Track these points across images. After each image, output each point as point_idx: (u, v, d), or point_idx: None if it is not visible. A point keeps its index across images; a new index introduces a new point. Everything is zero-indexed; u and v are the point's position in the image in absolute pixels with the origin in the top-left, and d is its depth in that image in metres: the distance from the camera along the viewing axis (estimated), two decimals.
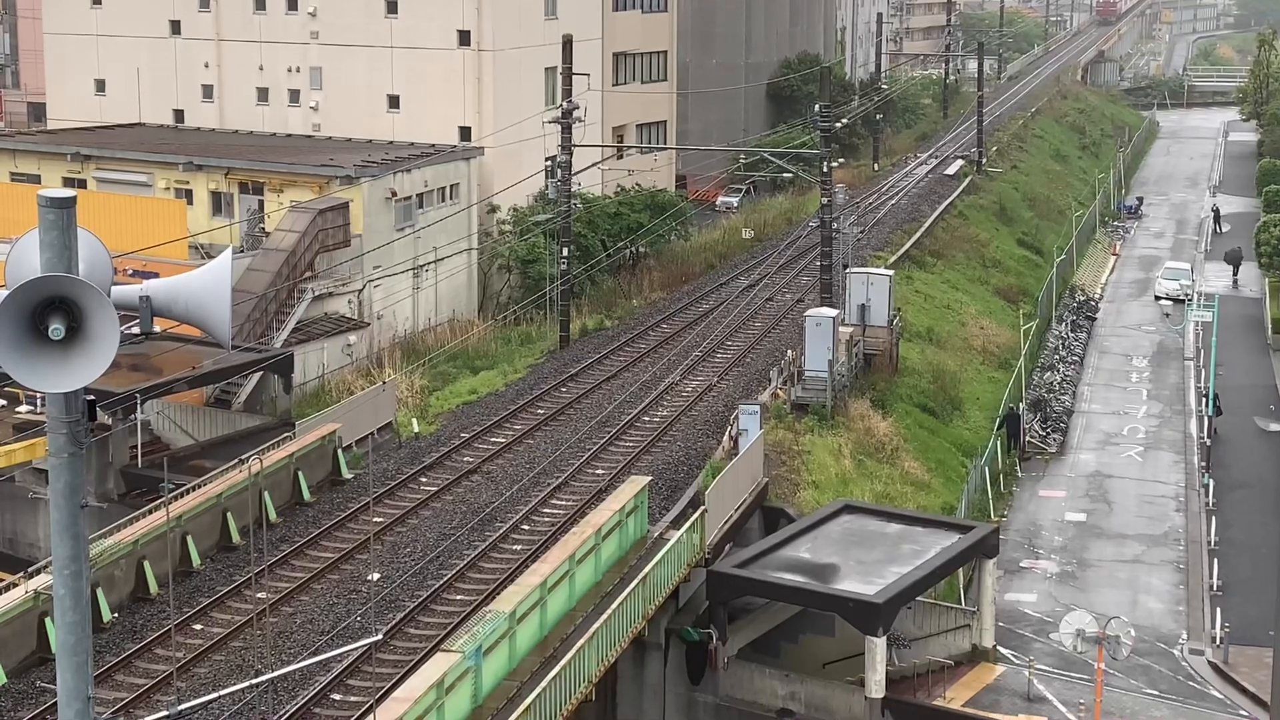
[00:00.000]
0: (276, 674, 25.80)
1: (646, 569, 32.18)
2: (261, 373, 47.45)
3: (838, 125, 61.00)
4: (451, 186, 63.99)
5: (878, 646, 33.15)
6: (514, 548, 34.92)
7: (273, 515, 36.25)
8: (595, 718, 32.75)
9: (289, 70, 72.90)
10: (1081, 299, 77.54)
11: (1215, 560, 45.43)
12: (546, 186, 67.74)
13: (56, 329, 8.37)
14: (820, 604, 34.95)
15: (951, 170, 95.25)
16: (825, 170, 53.79)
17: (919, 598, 36.18)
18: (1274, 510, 49.88)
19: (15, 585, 29.69)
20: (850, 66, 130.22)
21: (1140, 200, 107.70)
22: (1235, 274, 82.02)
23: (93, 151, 64.65)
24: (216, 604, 31.28)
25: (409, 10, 69.94)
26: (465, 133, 68.68)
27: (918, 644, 36.82)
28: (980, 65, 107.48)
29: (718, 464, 39.86)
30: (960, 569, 39.01)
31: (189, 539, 33.45)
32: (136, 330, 9.26)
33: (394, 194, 60.02)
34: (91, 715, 9.22)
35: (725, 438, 42.32)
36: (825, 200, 53.58)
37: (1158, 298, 79.34)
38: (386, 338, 57.95)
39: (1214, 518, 48.80)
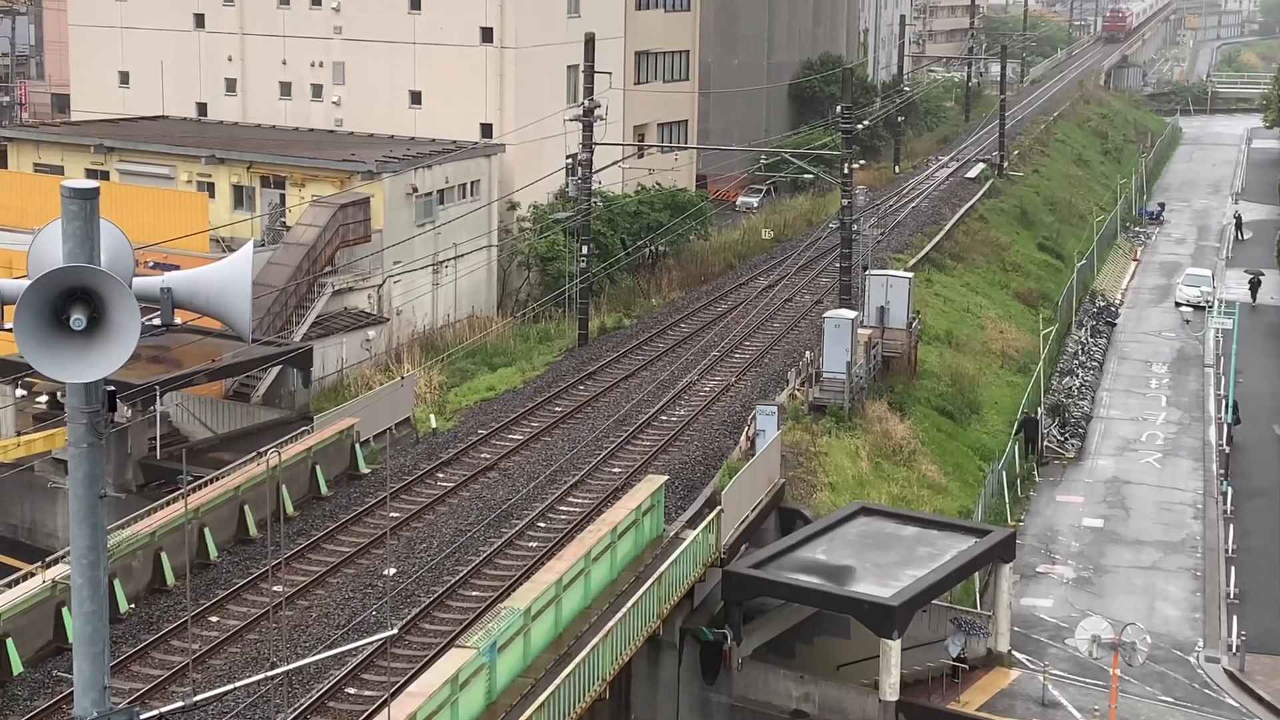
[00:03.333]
0: (291, 667, 25.85)
1: (662, 568, 32.18)
2: (281, 366, 47.56)
3: (859, 127, 60.84)
4: (472, 183, 64.04)
5: (893, 649, 33.10)
6: (530, 545, 34.95)
7: (290, 509, 36.31)
8: (609, 716, 32.76)
9: (312, 65, 73.05)
10: (1102, 304, 77.32)
11: (1232, 568, 45.27)
12: (567, 184, 67.77)
13: (78, 319, 8.40)
14: (835, 606, 34.92)
15: (973, 173, 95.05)
16: (846, 172, 53.73)
17: (934, 601, 36.13)
18: None
19: (33, 575, 29.80)
20: (872, 68, 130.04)
21: (1162, 206, 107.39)
22: (1254, 297, 79.26)
23: (116, 143, 64.83)
24: (233, 596, 31.36)
25: (432, 6, 70.02)
26: (486, 129, 68.72)
27: (932, 647, 36.75)
28: (1003, 69, 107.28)
29: (734, 464, 39.84)
30: (976, 573, 38.93)
31: (206, 531, 33.54)
32: (157, 322, 9.29)
33: (415, 190, 60.09)
34: (107, 705, 9.25)
35: (742, 438, 42.29)
36: (846, 202, 53.53)
37: (1178, 304, 79.08)
38: (405, 333, 58.02)
39: (1232, 525, 48.61)
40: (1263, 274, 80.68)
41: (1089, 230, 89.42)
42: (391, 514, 35.66)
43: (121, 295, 8.42)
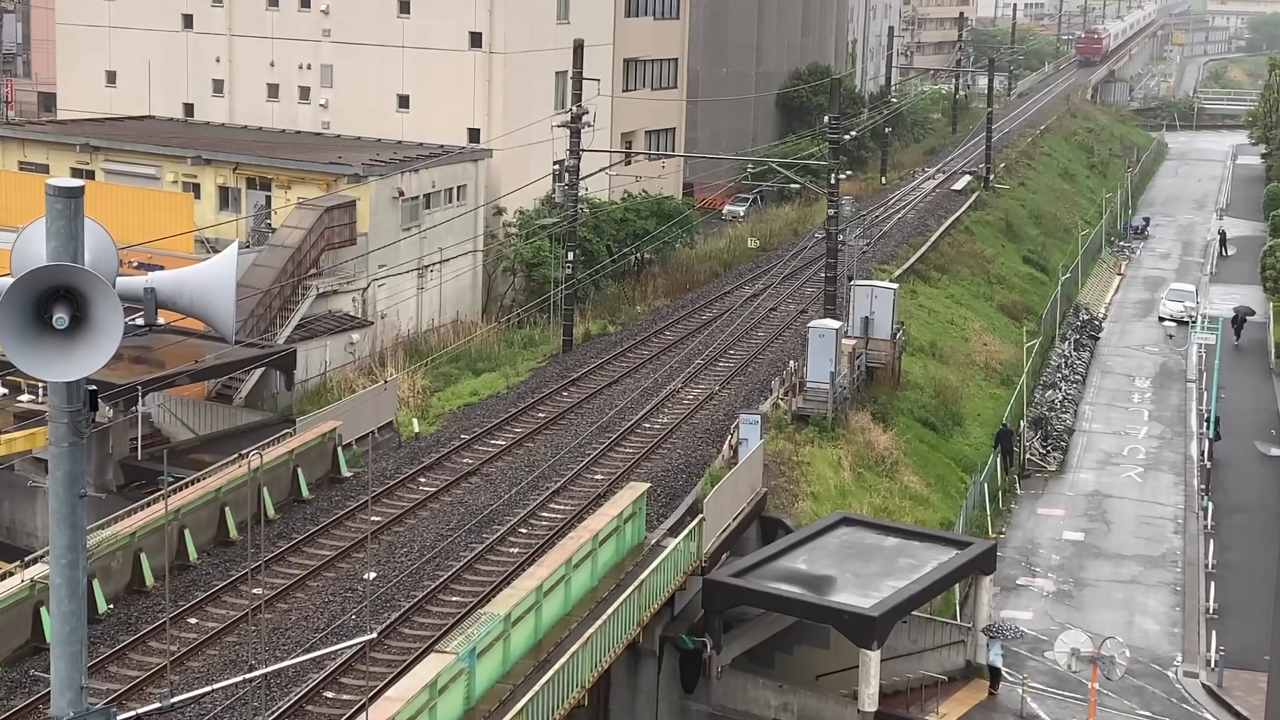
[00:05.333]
0: (270, 670, 25.79)
1: (643, 576, 32.16)
2: (264, 368, 47.46)
3: (846, 137, 60.97)
4: (459, 188, 64.01)
5: (872, 659, 33.11)
6: (511, 550, 34.91)
7: (271, 511, 36.23)
8: None
9: (300, 67, 72.98)
10: (1085, 318, 77.49)
11: (1212, 583, 45.40)
12: (554, 190, 67.77)
13: (61, 318, 8.37)
14: (815, 615, 34.94)
15: (959, 185, 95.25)
16: (833, 182, 53.80)
17: (914, 612, 36.16)
18: (1272, 535, 49.79)
19: (12, 574, 29.69)
20: (860, 79, 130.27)
21: (1147, 221, 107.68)
22: (1237, 334, 74.14)
23: (102, 143, 64.71)
24: (212, 598, 31.26)
25: (421, 10, 70.01)
26: (474, 134, 68.72)
27: (911, 659, 36.81)
28: (990, 81, 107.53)
29: (717, 473, 39.84)
30: (957, 584, 38.98)
31: (186, 532, 33.44)
32: (140, 322, 9.27)
33: (401, 193, 60.05)
34: (84, 705, 9.22)
35: (725, 446, 42.29)
36: (832, 212, 53.59)
37: (1162, 319, 79.27)
38: (389, 337, 57.96)
39: (1212, 541, 48.74)
40: (1252, 311, 76.81)
41: (1074, 244, 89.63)
42: (373, 518, 35.60)
43: (105, 295, 8.39)
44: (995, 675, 36.84)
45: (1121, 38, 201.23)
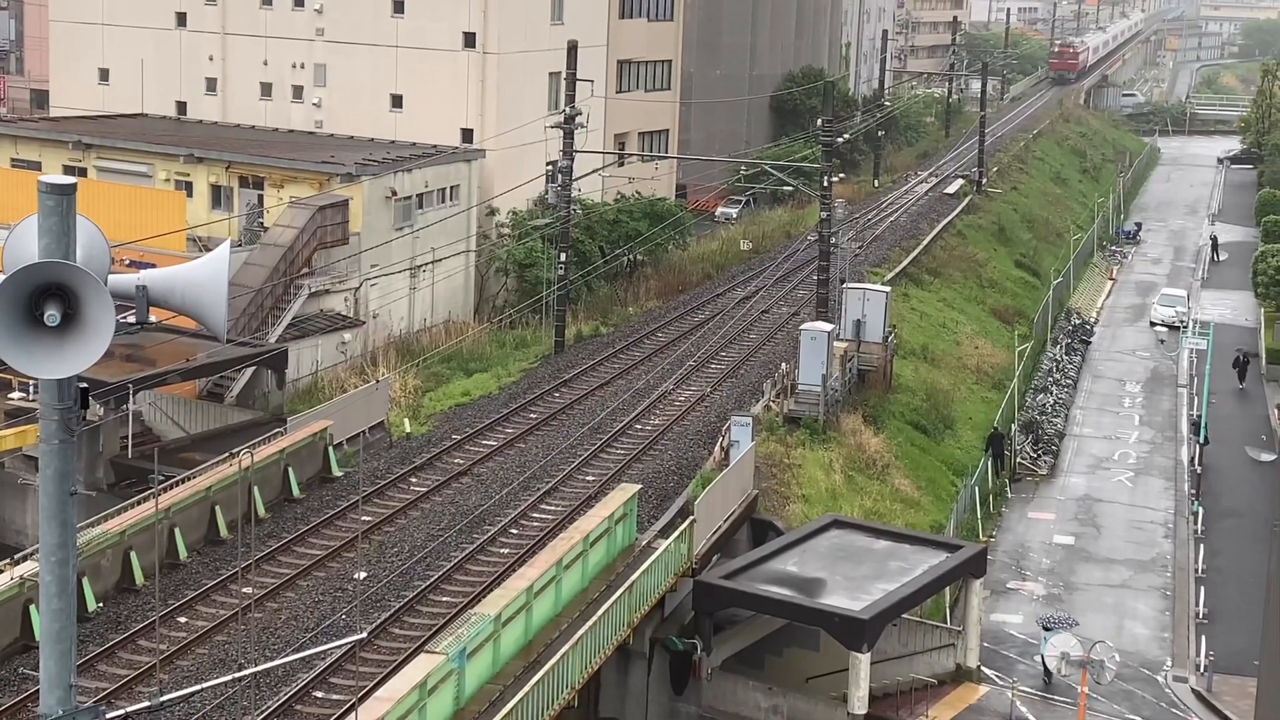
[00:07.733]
0: (259, 669, 25.78)
1: (633, 577, 32.16)
2: (255, 367, 47.41)
3: (839, 140, 61.02)
4: (451, 188, 63.97)
5: (862, 662, 33.13)
6: (502, 551, 34.91)
7: (261, 510, 36.20)
8: None
9: (293, 66, 72.92)
10: (1077, 322, 77.57)
11: (1202, 588, 45.44)
12: (546, 191, 67.72)
13: (52, 315, 8.36)
14: (806, 618, 34.95)
15: (951, 189, 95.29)
16: (825, 185, 53.82)
17: (904, 615, 36.18)
18: (1262, 540, 49.80)
19: (1, 571, 29.63)
20: (854, 82, 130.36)
21: (1139, 225, 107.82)
22: (1242, 378, 68.75)
23: (94, 140, 64.59)
24: (202, 597, 31.25)
25: (415, 10, 69.98)
26: (467, 134, 68.70)
27: (901, 662, 36.83)
28: (984, 85, 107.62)
29: (708, 474, 39.83)
30: (947, 588, 39.00)
31: (177, 531, 33.41)
32: (132, 320, 9.25)
33: (394, 193, 60.00)
34: (73, 703, 9.20)
35: (716, 448, 42.28)
36: (824, 215, 53.62)
37: (1153, 324, 79.34)
38: (381, 337, 57.90)
39: (1202, 545, 48.79)
40: (1255, 355, 72.54)
41: (1066, 248, 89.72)
42: (363, 518, 35.57)
43: (97, 292, 8.38)
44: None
45: (1103, 50, 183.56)
